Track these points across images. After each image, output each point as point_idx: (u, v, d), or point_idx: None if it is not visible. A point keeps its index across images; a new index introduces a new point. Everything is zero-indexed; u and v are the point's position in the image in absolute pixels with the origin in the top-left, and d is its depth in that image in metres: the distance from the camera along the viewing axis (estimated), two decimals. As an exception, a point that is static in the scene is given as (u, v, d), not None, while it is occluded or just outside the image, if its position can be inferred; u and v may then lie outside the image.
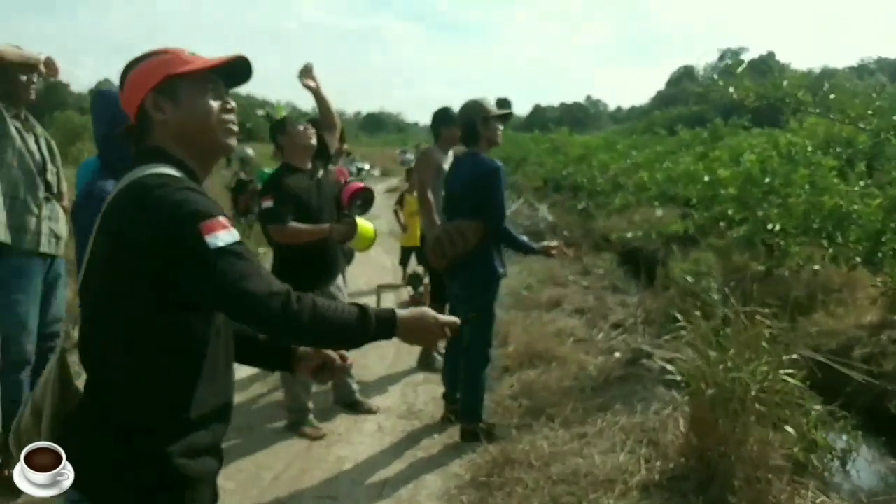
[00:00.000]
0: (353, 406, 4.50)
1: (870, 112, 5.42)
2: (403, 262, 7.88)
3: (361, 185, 4.95)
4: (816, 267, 6.69)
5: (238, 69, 1.69)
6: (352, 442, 4.11)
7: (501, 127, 4.00)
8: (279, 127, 4.05)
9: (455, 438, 4.06)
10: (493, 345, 4.01)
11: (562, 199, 14.18)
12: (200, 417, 1.59)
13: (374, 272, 8.64)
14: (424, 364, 5.36)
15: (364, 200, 4.92)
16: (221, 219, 1.47)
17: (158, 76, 1.59)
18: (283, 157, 4.07)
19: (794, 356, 3.17)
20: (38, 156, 3.42)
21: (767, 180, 7.07)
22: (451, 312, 4.22)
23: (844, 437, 4.12)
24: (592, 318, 6.21)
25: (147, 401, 1.53)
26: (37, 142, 3.46)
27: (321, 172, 4.10)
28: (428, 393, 4.81)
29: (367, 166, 27.11)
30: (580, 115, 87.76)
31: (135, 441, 1.51)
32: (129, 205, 1.50)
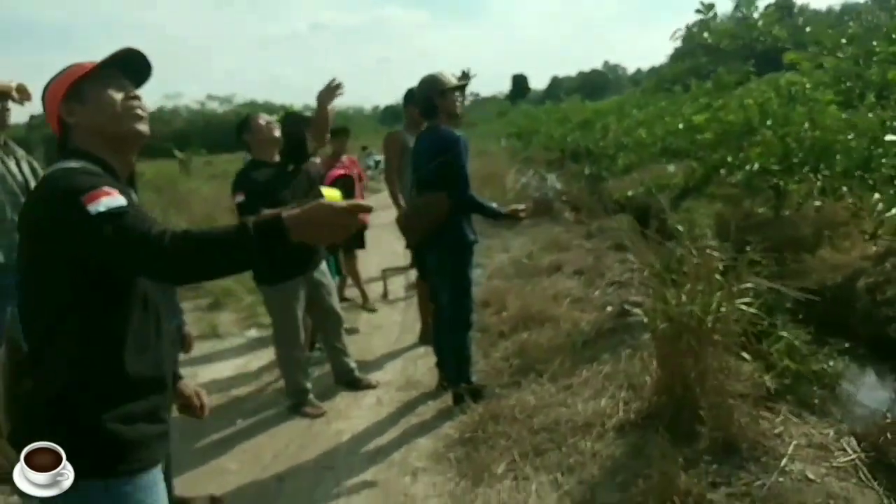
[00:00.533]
0: (353, 383, 4.68)
1: (843, 41, 5.35)
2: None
3: (341, 171, 5.11)
4: (817, 203, 6.65)
5: (138, 65, 1.86)
6: (350, 416, 4.29)
7: (460, 98, 4.11)
8: (244, 126, 4.20)
9: (448, 403, 4.21)
10: (473, 310, 4.13)
11: (579, 168, 14.17)
12: (132, 387, 1.76)
13: (384, 257, 8.80)
14: (425, 339, 5.50)
15: (344, 186, 5.08)
16: (106, 188, 1.60)
17: (64, 86, 1.78)
18: (251, 153, 4.24)
19: (748, 284, 3.22)
20: (20, 177, 3.64)
21: (769, 123, 7.01)
22: (431, 285, 4.37)
23: (832, 364, 4.15)
24: (591, 277, 6.28)
25: (78, 373, 1.70)
26: (18, 164, 3.68)
27: (292, 166, 4.24)
28: (426, 365, 4.96)
29: (382, 158, 27.26)
30: (599, 82, 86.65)
31: (69, 410, 1.69)
32: (33, 198, 1.68)
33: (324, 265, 4.43)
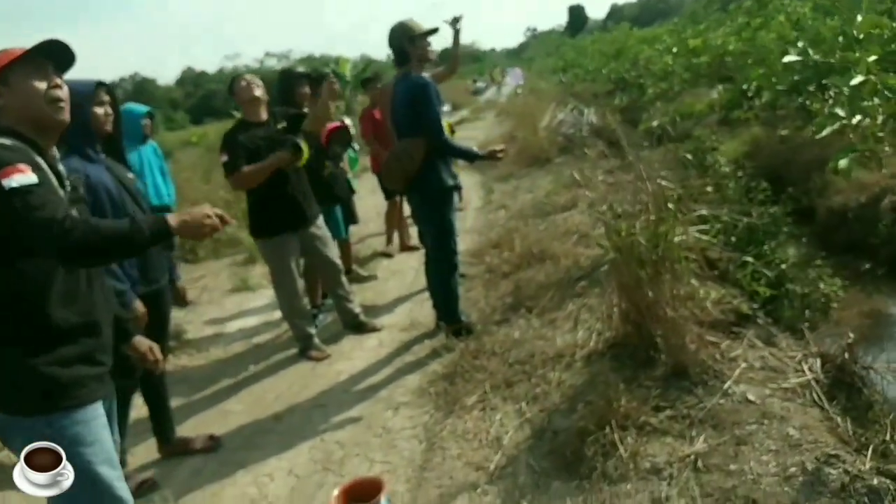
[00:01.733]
0: (358, 327, 4.90)
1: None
2: None
3: (338, 123, 5.23)
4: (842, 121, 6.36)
5: (63, 54, 2.04)
6: (352, 358, 4.52)
7: (430, 44, 4.14)
8: (230, 87, 4.36)
9: (443, 341, 4.38)
10: (456, 252, 4.24)
11: (626, 99, 13.83)
12: (63, 334, 1.99)
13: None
14: None
15: (342, 139, 5.21)
16: (20, 165, 1.82)
17: None
18: (241, 113, 4.41)
19: (701, 212, 3.21)
20: None
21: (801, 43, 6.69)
22: (419, 230, 4.48)
23: (823, 286, 4.10)
24: (603, 212, 6.26)
25: (12, 323, 1.93)
26: None
27: (281, 125, 4.38)
28: (430, 306, 5.12)
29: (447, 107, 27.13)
30: (661, 7, 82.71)
31: (5, 358, 1.93)
32: None
33: (320, 219, 4.60)
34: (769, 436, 2.52)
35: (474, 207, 8.95)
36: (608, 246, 3.29)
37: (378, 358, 4.45)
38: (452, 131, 8.42)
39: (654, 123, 8.28)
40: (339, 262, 4.72)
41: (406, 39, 4.04)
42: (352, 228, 6.44)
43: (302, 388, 4.20)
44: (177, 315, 5.99)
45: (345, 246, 5.77)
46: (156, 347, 2.54)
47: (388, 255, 6.85)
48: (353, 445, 3.40)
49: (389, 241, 6.99)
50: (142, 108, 6.21)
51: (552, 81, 27.02)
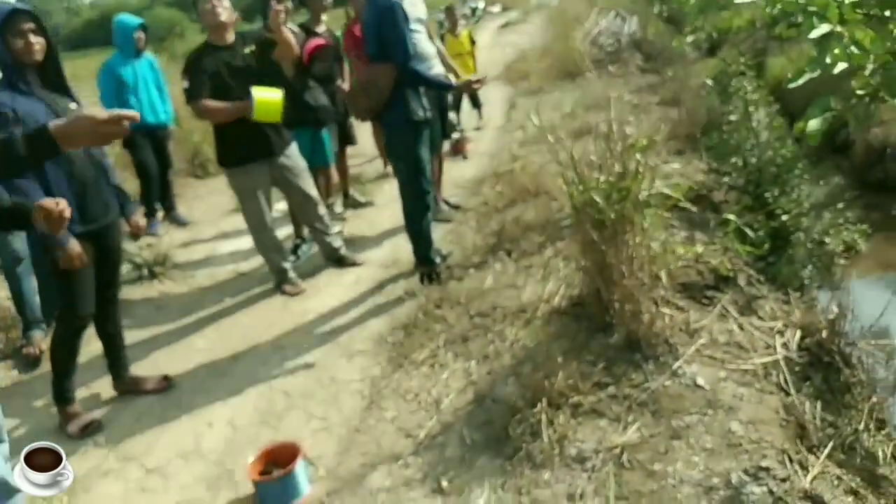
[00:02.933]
0: (339, 261, 4.71)
1: None
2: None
3: (320, 42, 4.87)
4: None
5: None
6: (325, 294, 4.36)
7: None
8: (194, 4, 4.04)
9: (413, 285, 4.17)
10: (428, 190, 3.95)
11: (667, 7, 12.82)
12: None
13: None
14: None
15: (326, 57, 4.87)
16: None
17: None
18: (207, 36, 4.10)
19: (674, 165, 2.84)
20: None
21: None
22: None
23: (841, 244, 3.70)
24: (614, 142, 5.81)
25: None
26: None
27: (250, 49, 4.07)
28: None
29: (481, 4, 25.86)
30: None
31: None
32: None
33: (293, 148, 4.34)
34: (709, 430, 2.26)
35: (494, 126, 8.54)
36: (566, 202, 2.95)
37: (350, 297, 4.27)
38: (473, 42, 7.96)
39: (689, 39, 7.59)
40: (313, 192, 4.48)
41: (376, -50, 3.62)
42: (351, 150, 6.18)
43: (268, 326, 4.08)
44: (172, 235, 5.96)
45: (325, 172, 5.50)
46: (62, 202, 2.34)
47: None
48: (299, 396, 3.28)
49: (386, 162, 6.67)
50: (134, 20, 5.94)
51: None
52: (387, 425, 2.87)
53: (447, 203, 5.46)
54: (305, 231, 5.04)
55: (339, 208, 5.79)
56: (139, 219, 3.52)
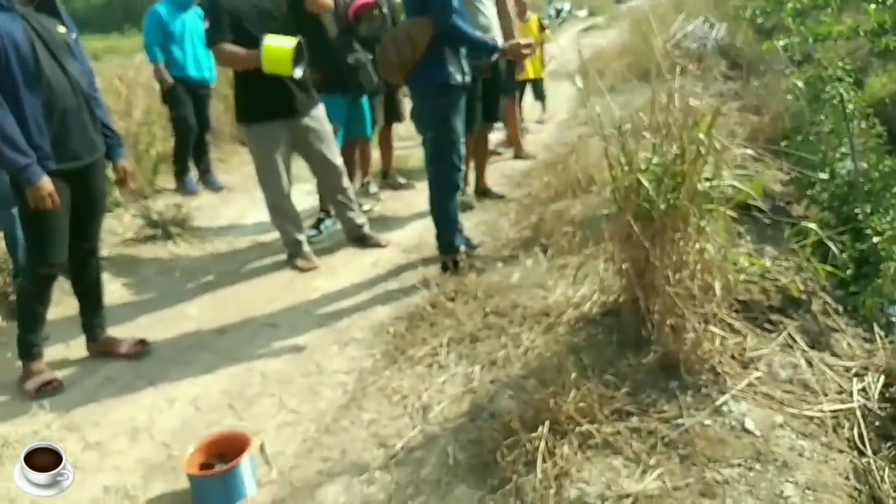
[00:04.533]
0: (361, 240, 4.28)
1: None
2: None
3: (364, 1, 4.44)
4: None
5: None
6: (337, 275, 3.94)
7: None
8: None
9: (436, 272, 3.70)
10: (459, 168, 3.47)
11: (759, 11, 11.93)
12: None
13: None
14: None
15: (369, 19, 4.44)
16: None
17: None
18: None
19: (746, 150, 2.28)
20: None
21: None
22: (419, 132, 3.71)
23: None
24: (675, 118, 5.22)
25: None
26: None
27: None
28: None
29: (567, 6, 25.22)
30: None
31: None
32: None
33: (320, 110, 3.93)
34: (753, 490, 1.71)
35: (558, 120, 7.99)
36: (604, 184, 2.43)
37: (363, 279, 3.83)
38: (542, 27, 7.42)
39: (780, 44, 6.86)
40: (338, 161, 4.05)
41: None
42: (398, 128, 5.76)
43: (268, 300, 3.68)
44: (202, 198, 5.65)
45: (362, 145, 5.08)
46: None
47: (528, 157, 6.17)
48: (275, 381, 2.85)
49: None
50: None
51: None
52: (361, 429, 2.41)
53: (488, 192, 4.97)
54: (329, 205, 4.63)
55: (374, 188, 5.38)
56: (127, 164, 3.17)
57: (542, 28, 7.30)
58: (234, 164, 6.97)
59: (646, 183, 2.16)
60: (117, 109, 6.12)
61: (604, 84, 9.25)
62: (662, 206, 2.17)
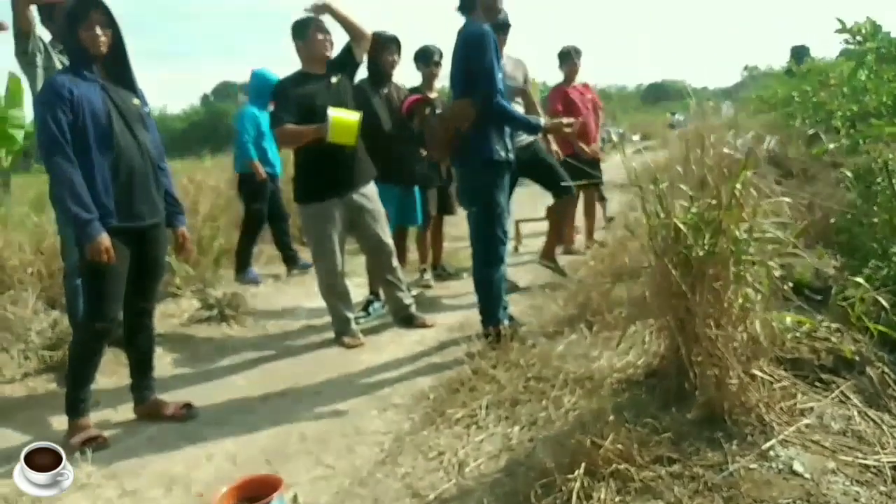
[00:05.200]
0: (407, 320, 4.33)
1: None
2: None
3: (420, 96, 4.72)
4: None
5: None
6: (383, 351, 3.96)
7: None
8: (299, 31, 3.99)
9: (479, 347, 3.68)
10: (504, 241, 3.53)
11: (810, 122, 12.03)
12: None
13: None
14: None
15: (420, 114, 4.69)
16: None
17: None
18: (301, 61, 4.04)
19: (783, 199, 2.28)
20: None
21: None
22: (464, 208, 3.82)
23: None
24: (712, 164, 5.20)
25: None
26: None
27: (336, 79, 3.97)
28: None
29: (620, 130, 26.02)
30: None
31: None
32: None
33: (374, 190, 4.11)
34: (803, 532, 1.59)
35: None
36: (637, 230, 2.44)
37: (407, 354, 3.86)
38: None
39: (830, 146, 6.89)
40: (389, 241, 4.18)
41: (475, -17, 3.43)
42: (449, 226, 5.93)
43: (314, 372, 3.71)
44: (256, 289, 5.80)
45: (421, 235, 5.25)
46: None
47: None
48: (314, 441, 2.84)
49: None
50: (274, 76, 6.05)
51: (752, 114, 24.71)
52: (395, 482, 2.36)
53: (550, 264, 5.05)
54: (381, 290, 4.72)
55: (428, 275, 5.50)
56: (186, 231, 3.35)
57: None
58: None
59: (683, 229, 2.17)
60: (184, 206, 6.50)
61: (655, 190, 9.39)
62: (701, 253, 2.17)
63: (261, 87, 5.74)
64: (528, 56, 5.23)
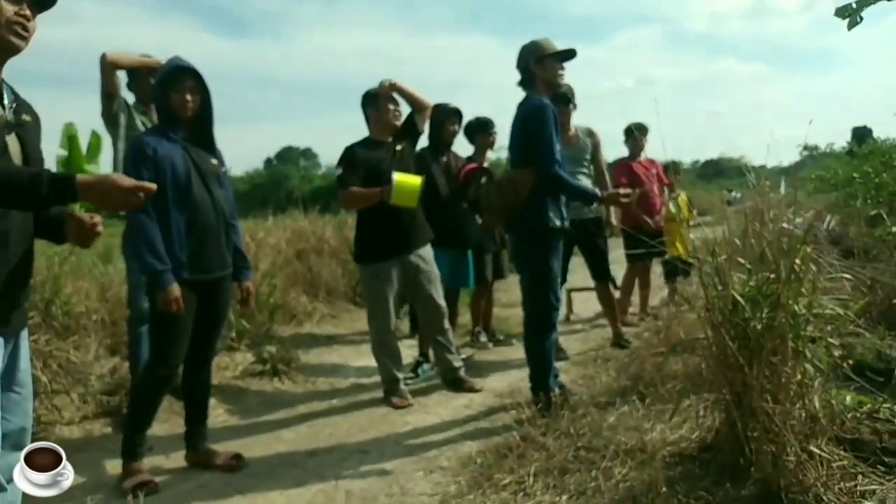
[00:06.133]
0: (455, 384, 4.34)
1: None
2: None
3: (476, 165, 4.85)
4: None
5: None
6: (430, 412, 3.97)
7: (562, 69, 3.62)
8: (371, 100, 4.18)
9: (527, 414, 3.65)
10: (556, 308, 3.55)
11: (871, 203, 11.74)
12: None
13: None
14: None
15: (476, 182, 4.80)
16: None
17: None
18: (369, 129, 4.22)
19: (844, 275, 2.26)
20: None
21: None
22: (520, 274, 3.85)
23: None
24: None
25: None
26: None
27: (400, 146, 4.13)
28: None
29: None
30: (976, 135, 71.55)
31: None
32: None
33: (430, 252, 4.20)
34: None
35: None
36: (694, 303, 2.44)
37: (454, 417, 3.85)
38: (691, 209, 7.22)
39: (894, 229, 6.74)
40: (442, 302, 4.24)
41: (534, 59, 3.57)
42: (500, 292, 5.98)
43: (361, 430, 3.74)
44: (308, 348, 5.89)
45: (487, 296, 5.34)
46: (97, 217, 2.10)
47: None
48: (361, 499, 2.84)
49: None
50: None
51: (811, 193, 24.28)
52: (439, 543, 2.34)
53: (620, 340, 5.08)
54: (431, 353, 4.75)
55: (483, 338, 5.52)
56: (251, 286, 3.46)
57: (691, 208, 6.86)
58: (344, 320, 7.33)
59: (742, 301, 2.17)
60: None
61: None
62: (759, 326, 2.16)
63: None
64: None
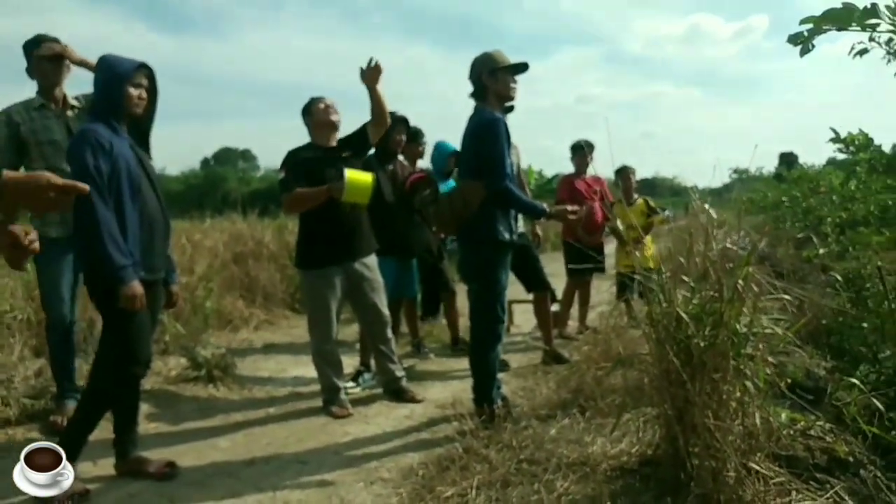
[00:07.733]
0: (396, 393, 4.30)
1: None
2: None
3: (422, 174, 4.85)
4: None
5: None
6: (371, 423, 3.92)
7: (514, 81, 3.65)
8: (306, 109, 4.12)
9: (470, 426, 3.64)
10: (501, 320, 3.57)
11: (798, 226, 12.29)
12: None
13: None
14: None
15: (421, 190, 4.80)
16: None
17: None
18: (310, 136, 4.15)
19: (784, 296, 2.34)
20: None
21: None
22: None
23: None
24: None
25: None
26: None
27: (346, 154, 4.07)
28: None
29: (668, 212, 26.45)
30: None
31: None
32: None
33: (374, 261, 4.16)
34: None
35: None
36: (639, 319, 2.48)
37: (395, 428, 3.81)
38: (651, 211, 7.14)
39: (821, 251, 7.07)
40: (385, 312, 4.20)
41: (486, 71, 3.59)
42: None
43: (300, 440, 3.66)
44: (245, 353, 5.75)
45: (410, 304, 5.27)
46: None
47: None
48: (298, 511, 2.77)
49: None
50: (451, 145, 5.95)
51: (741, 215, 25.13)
52: (381, 557, 2.30)
53: (552, 353, 5.06)
54: (373, 362, 4.69)
55: (426, 348, 5.50)
56: (177, 289, 3.37)
57: (650, 212, 6.49)
58: (282, 326, 7.19)
59: (686, 318, 2.21)
60: (181, 265, 6.50)
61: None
62: (702, 343, 2.21)
63: (441, 158, 5.52)
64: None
